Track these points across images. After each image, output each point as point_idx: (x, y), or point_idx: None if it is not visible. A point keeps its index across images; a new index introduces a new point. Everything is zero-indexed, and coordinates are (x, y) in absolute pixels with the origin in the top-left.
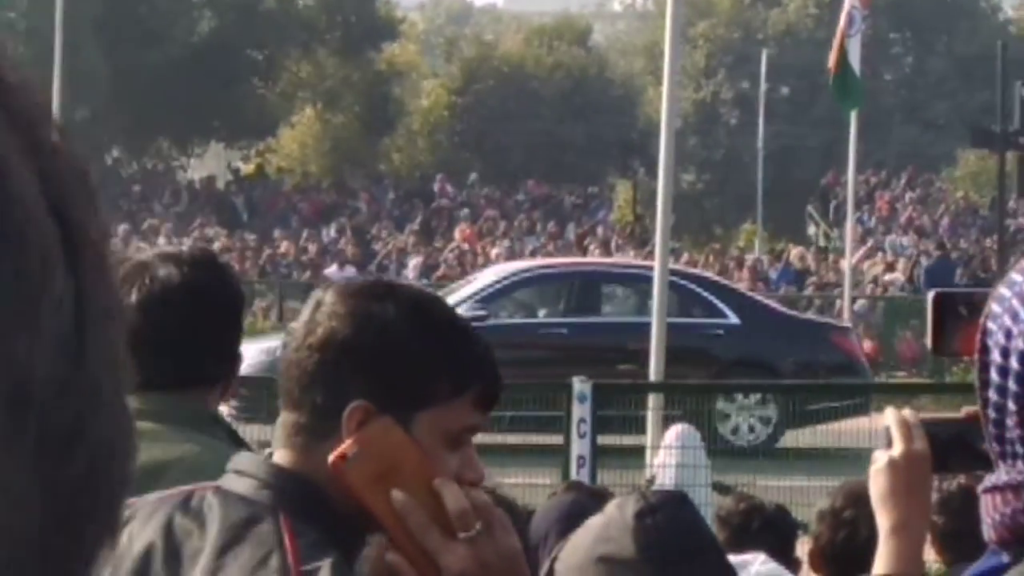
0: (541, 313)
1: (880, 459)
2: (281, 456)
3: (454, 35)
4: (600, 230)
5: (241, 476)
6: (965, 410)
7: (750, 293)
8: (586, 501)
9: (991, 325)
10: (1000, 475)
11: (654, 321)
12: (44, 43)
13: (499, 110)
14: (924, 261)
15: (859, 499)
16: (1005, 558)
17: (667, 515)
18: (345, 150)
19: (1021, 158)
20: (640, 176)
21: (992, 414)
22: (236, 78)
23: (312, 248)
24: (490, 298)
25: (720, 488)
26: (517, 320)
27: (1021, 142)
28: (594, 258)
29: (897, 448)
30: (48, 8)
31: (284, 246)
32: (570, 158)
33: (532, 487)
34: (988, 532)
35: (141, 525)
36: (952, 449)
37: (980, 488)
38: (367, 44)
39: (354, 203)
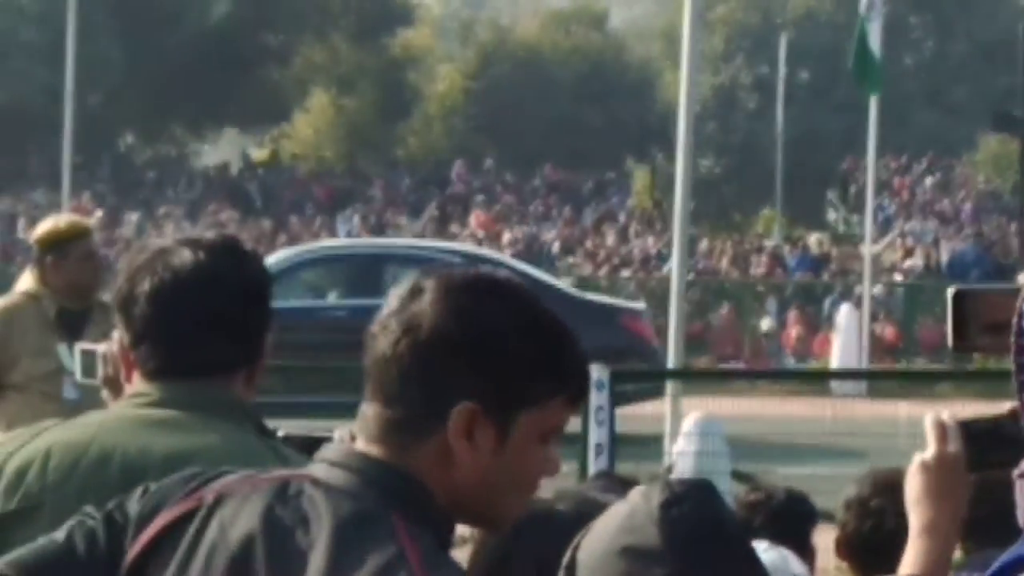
0: (330, 296)
1: (915, 461)
2: (377, 452)
3: (470, 19)
4: (621, 217)
5: (339, 468)
6: (1009, 406)
7: (539, 274)
8: (613, 489)
9: None
10: None
11: (672, 309)
12: (57, 28)
13: (515, 95)
14: (944, 246)
15: (887, 488)
16: None
17: (693, 505)
18: (360, 136)
19: None
20: (658, 161)
21: None
22: (250, 63)
23: (325, 235)
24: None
25: (739, 476)
26: (295, 303)
27: None
28: (382, 238)
29: (930, 450)
30: None
31: (298, 232)
32: (587, 143)
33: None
34: (1021, 517)
35: (234, 511)
36: (989, 445)
37: (1016, 473)
38: (382, 29)
39: (369, 189)
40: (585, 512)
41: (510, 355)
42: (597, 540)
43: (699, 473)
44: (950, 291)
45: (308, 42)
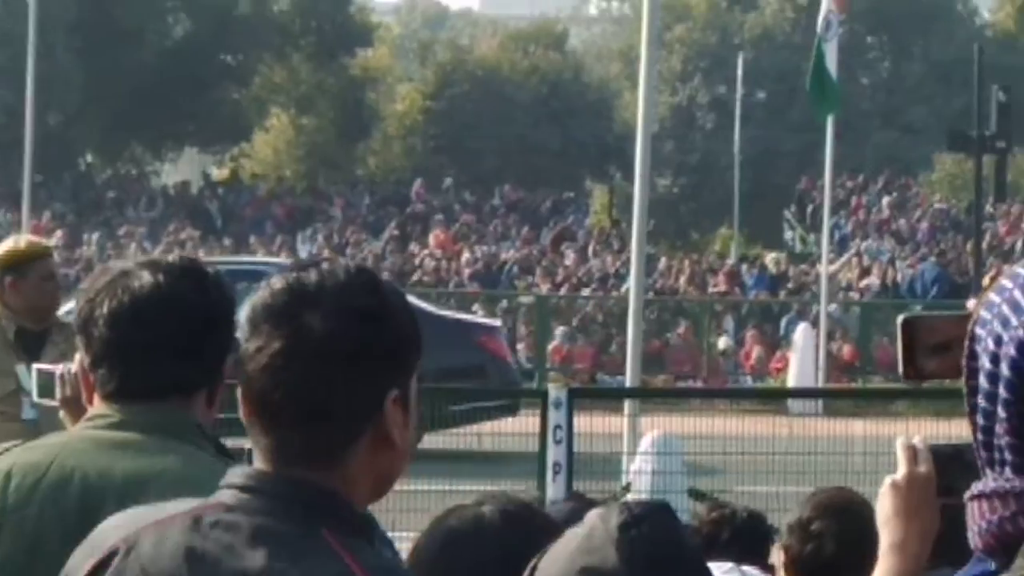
0: None
1: (886, 482)
2: (290, 472)
3: (429, 39)
4: (580, 236)
5: (254, 494)
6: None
7: None
8: (585, 510)
9: (980, 331)
10: (987, 482)
11: (630, 327)
12: (18, 47)
13: (474, 115)
14: (900, 265)
15: (827, 511)
16: (992, 566)
17: (651, 526)
18: (319, 155)
19: (998, 162)
20: (617, 181)
21: (980, 421)
22: (210, 83)
23: (286, 254)
24: None
25: (696, 494)
26: None
27: (998, 146)
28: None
29: (900, 471)
30: (22, 11)
31: (259, 252)
32: (546, 162)
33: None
34: (974, 539)
35: (151, 555)
36: (958, 470)
37: (967, 496)
38: (341, 49)
39: (329, 208)
40: (512, 512)
41: (405, 336)
42: (555, 561)
43: (656, 491)
44: (899, 318)
45: (268, 62)
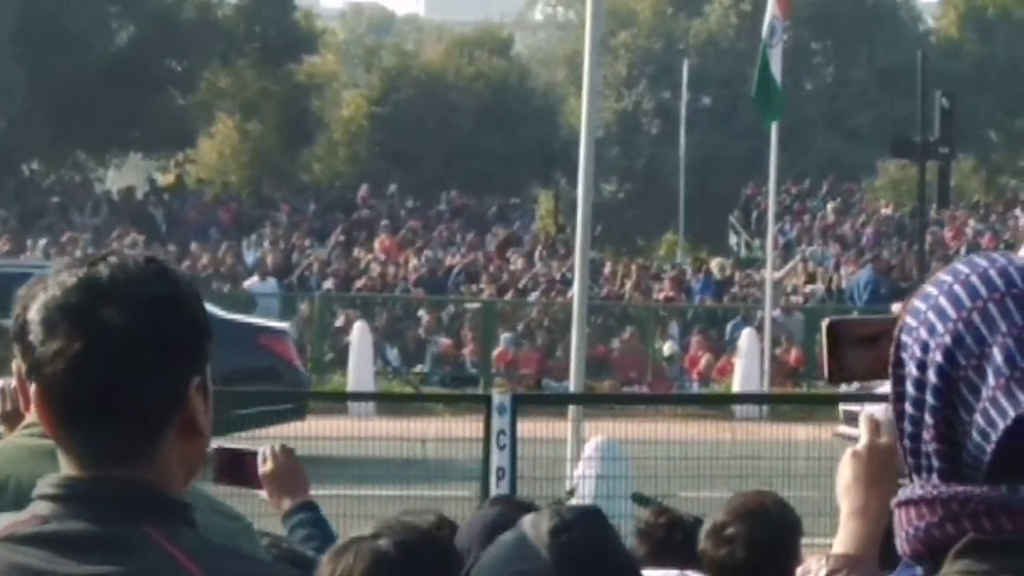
0: None
1: (847, 453)
2: (103, 472)
3: (374, 45)
4: (525, 242)
5: (66, 502)
6: None
7: None
8: (511, 513)
9: (906, 338)
10: (915, 489)
11: (574, 333)
12: None
13: (418, 120)
14: (844, 271)
15: (740, 515)
16: (919, 571)
17: (582, 531)
18: (264, 161)
19: (941, 168)
20: (562, 186)
21: (908, 427)
22: (155, 88)
23: (230, 259)
24: None
25: (640, 499)
26: None
27: (941, 152)
28: None
29: (862, 440)
30: None
31: (204, 258)
32: (490, 168)
33: (454, 499)
34: (902, 545)
35: None
36: None
37: (894, 502)
38: (287, 55)
39: (275, 214)
40: (408, 543)
41: (203, 323)
42: (488, 568)
43: (600, 496)
44: (824, 322)
45: (213, 68)
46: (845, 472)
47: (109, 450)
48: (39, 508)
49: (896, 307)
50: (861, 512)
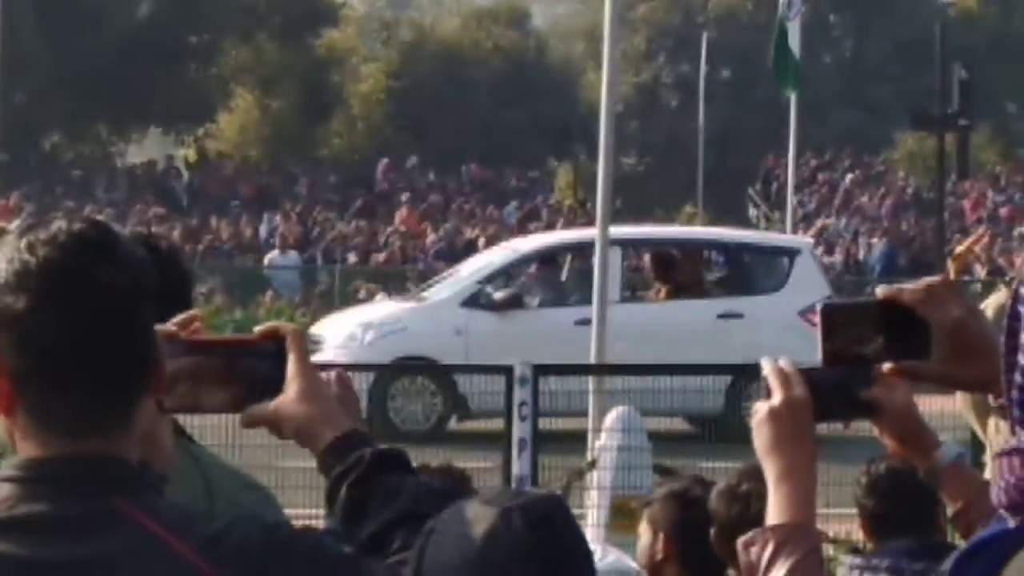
0: None
1: (761, 409)
2: (68, 448)
3: (391, 19)
4: (544, 214)
5: (32, 483)
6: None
7: None
8: (460, 486)
9: (1022, 309)
10: (1021, 440)
11: (594, 303)
12: None
13: (436, 94)
14: (864, 243)
15: (751, 475)
16: (1011, 523)
17: (541, 519)
18: (284, 135)
19: (960, 140)
20: (581, 160)
21: (1019, 379)
22: (175, 63)
23: (250, 232)
24: None
25: (661, 470)
26: None
27: (960, 124)
28: None
29: (776, 396)
30: None
31: (225, 231)
32: (510, 141)
33: (476, 470)
34: (999, 496)
35: None
36: (835, 396)
37: (997, 451)
38: (306, 29)
39: (295, 188)
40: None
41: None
42: (445, 552)
43: (621, 467)
44: (819, 306)
45: (233, 42)
46: (764, 432)
47: (92, 418)
48: (3, 491)
49: (880, 289)
50: (792, 472)
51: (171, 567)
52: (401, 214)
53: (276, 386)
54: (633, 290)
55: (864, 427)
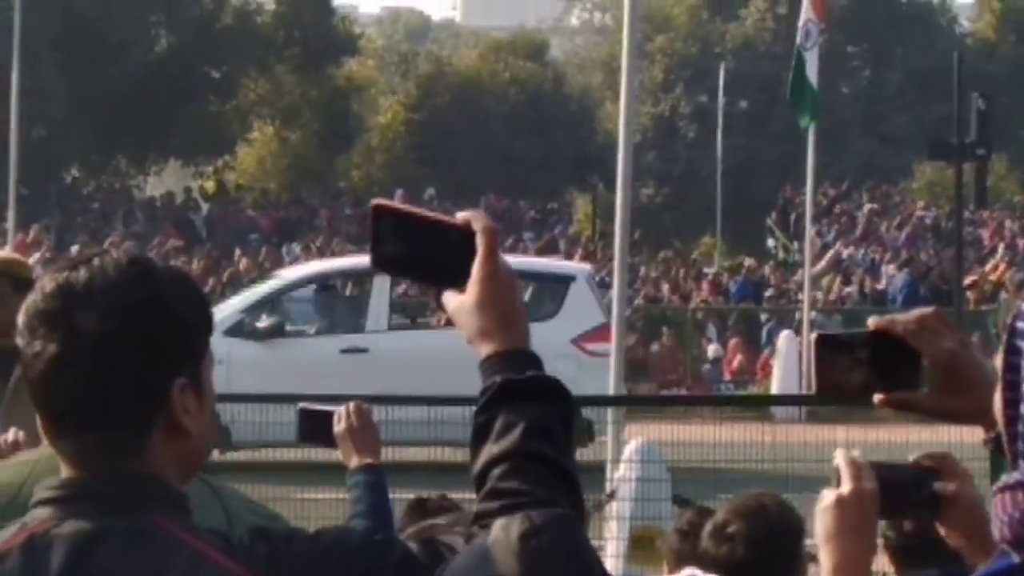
0: None
1: (828, 497)
2: (104, 469)
3: (410, 51)
4: (562, 245)
5: (74, 502)
6: (914, 458)
7: None
8: (447, 511)
9: (1021, 325)
10: (1018, 475)
11: (613, 335)
12: (2, 60)
13: (454, 126)
14: (884, 271)
15: (741, 514)
16: (1015, 558)
17: (552, 537)
18: (303, 167)
19: (978, 169)
20: (599, 191)
21: (1014, 412)
22: (194, 95)
23: (269, 265)
24: None
25: (680, 501)
26: None
27: (978, 153)
28: None
29: (846, 487)
30: (6, 25)
31: (244, 262)
32: (528, 173)
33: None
34: (1001, 531)
35: None
36: (903, 494)
37: (995, 487)
38: (325, 61)
39: (314, 220)
40: None
41: (186, 322)
42: (458, 573)
43: (640, 498)
44: (812, 336)
45: (251, 74)
46: (828, 519)
47: (97, 452)
48: (42, 514)
49: (871, 321)
50: (850, 565)
51: None
52: None
53: (459, 274)
54: (413, 319)
55: (893, 456)
